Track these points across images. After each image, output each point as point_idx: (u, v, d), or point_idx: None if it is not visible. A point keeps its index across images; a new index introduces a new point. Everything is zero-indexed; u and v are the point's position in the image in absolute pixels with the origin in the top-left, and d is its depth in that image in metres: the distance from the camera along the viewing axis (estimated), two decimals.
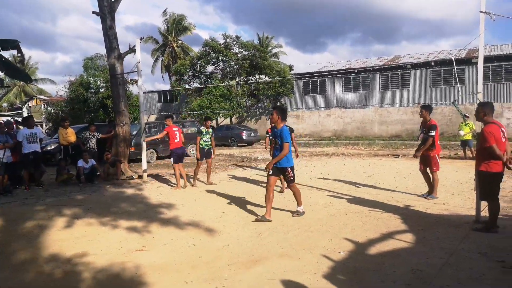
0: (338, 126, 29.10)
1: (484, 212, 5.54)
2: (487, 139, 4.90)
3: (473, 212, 5.74)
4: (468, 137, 13.06)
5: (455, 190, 8.04)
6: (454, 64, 24.16)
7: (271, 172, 6.00)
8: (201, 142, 9.44)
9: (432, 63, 25.58)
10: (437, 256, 4.29)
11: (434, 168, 7.30)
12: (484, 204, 5.54)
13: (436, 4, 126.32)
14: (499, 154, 4.86)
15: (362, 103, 28.05)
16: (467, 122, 13.19)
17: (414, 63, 26.38)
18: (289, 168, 6.03)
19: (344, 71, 28.93)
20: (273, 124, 6.38)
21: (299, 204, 6.25)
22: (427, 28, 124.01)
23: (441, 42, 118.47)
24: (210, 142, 9.56)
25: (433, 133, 7.11)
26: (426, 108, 7.41)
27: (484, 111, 5.12)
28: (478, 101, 5.64)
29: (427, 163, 7.40)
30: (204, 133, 9.45)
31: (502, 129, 5.07)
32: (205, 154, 9.53)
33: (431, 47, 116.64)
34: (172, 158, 9.25)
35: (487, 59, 21.92)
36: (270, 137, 8.57)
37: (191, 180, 9.67)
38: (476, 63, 6.01)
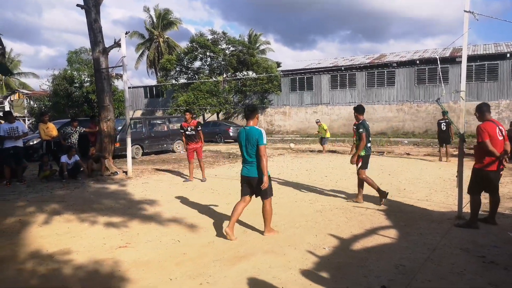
0: (325, 122, 29.04)
1: (466, 209, 5.65)
2: (480, 135, 5.06)
3: (455, 209, 5.85)
4: None
5: (438, 187, 8.18)
6: (439, 63, 24.56)
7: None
8: None
9: (417, 62, 25.90)
10: (419, 251, 4.36)
11: (199, 156, 9.75)
12: (466, 200, 5.65)
13: (424, 3, 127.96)
14: (492, 149, 4.97)
15: (348, 100, 28.23)
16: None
17: (400, 62, 26.66)
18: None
19: (331, 69, 29.09)
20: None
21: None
22: (414, 27, 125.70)
23: (427, 41, 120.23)
24: None
25: (198, 128, 9.59)
26: (188, 111, 9.81)
27: (477, 112, 5.37)
28: (461, 99, 5.77)
29: None
30: None
31: (500, 127, 5.16)
32: None
33: (417, 46, 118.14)
34: None
35: (471, 58, 22.26)
36: None
37: None
38: (460, 62, 6.10)
